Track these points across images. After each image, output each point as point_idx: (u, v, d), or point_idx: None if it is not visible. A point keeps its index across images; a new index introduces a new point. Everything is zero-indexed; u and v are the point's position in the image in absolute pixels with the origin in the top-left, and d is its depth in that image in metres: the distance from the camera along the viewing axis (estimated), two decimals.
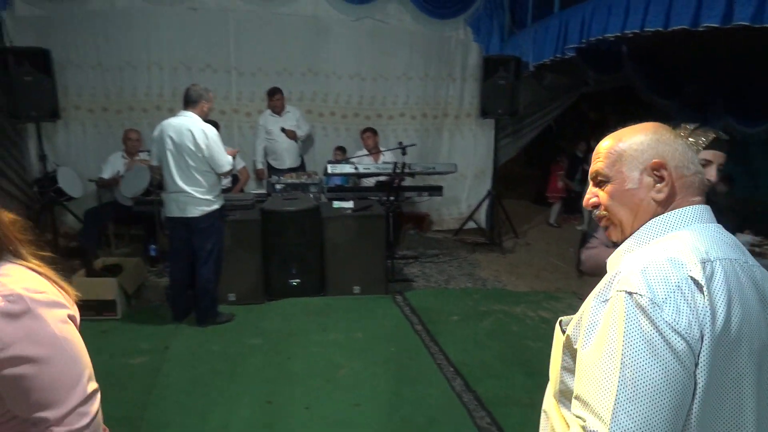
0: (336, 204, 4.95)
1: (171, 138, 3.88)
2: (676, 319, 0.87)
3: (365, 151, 6.24)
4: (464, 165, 6.88)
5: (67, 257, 5.47)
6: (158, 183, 4.61)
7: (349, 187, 5.90)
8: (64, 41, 5.95)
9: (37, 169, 5.88)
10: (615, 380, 0.87)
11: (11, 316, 0.97)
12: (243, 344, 3.88)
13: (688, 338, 0.87)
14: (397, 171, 5.18)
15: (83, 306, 3.89)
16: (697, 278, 0.90)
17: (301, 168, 6.29)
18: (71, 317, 1.10)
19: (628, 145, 1.05)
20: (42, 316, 1.01)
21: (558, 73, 6.16)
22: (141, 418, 2.98)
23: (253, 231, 4.52)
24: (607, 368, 0.88)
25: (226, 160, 3.98)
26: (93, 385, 1.09)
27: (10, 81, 5.33)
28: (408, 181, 5.88)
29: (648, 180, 1.02)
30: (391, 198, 5.20)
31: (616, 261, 1.06)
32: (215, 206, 4.04)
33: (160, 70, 6.25)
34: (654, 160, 1.02)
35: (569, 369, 1.06)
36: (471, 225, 6.84)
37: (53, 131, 6.10)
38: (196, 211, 3.94)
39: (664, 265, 0.91)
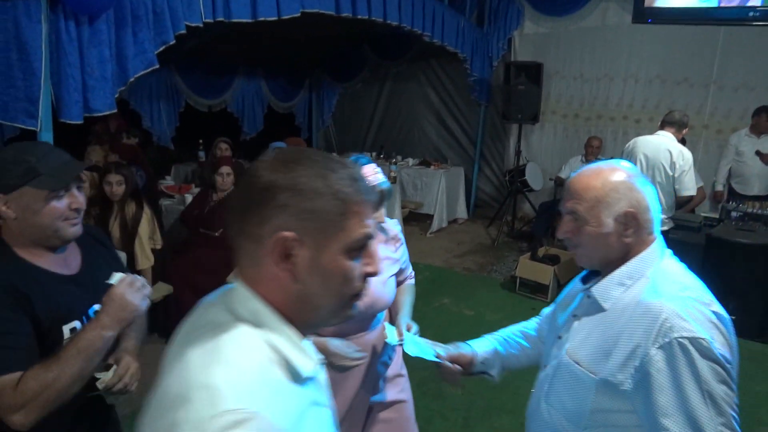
0: None
1: (644, 154, 4.12)
2: (724, 353, 1.06)
3: None
4: None
5: (518, 239, 6.47)
6: None
7: None
8: (556, 55, 6.85)
9: (511, 161, 7.05)
10: (706, 413, 1.02)
11: None
12: None
13: (732, 363, 1.09)
14: None
15: (522, 283, 4.68)
16: (719, 312, 1.12)
17: None
18: None
19: (607, 192, 1.18)
20: None
21: None
22: None
23: (693, 255, 4.36)
24: (698, 406, 1.02)
25: (693, 185, 4.03)
26: None
27: (508, 89, 6.55)
28: None
29: (619, 226, 1.18)
30: None
31: (612, 293, 1.19)
32: (664, 227, 4.13)
33: (635, 83, 6.48)
34: (627, 210, 1.17)
35: (604, 409, 1.15)
36: None
37: (530, 132, 7.17)
38: None
39: (696, 306, 1.09)
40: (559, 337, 1.32)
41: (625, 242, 1.19)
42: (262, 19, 3.74)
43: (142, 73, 3.14)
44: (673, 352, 1.04)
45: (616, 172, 1.22)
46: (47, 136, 2.80)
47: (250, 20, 3.68)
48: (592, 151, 6.11)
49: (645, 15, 5.94)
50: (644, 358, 1.07)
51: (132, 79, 3.10)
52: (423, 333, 4.26)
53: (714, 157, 6.03)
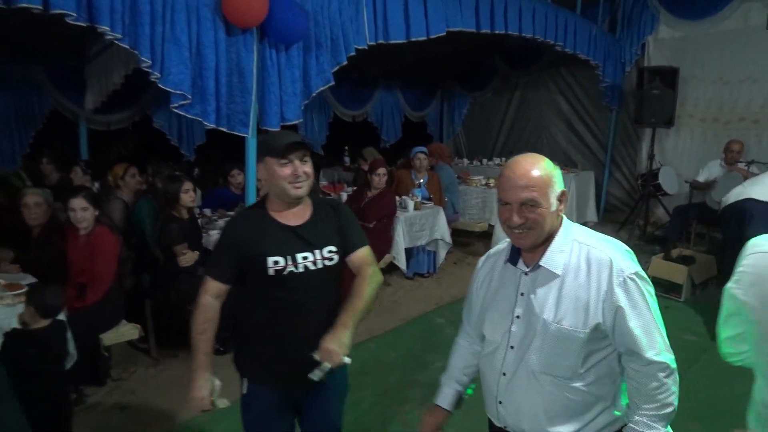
0: None
1: None
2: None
3: None
4: None
5: (650, 242, 6.48)
6: None
7: None
8: (693, 59, 6.79)
9: (644, 165, 7.06)
10: (656, 325, 1.40)
11: None
12: None
13: None
14: None
15: (654, 282, 4.81)
16: (626, 246, 1.48)
17: None
18: None
19: (551, 179, 1.41)
20: None
21: None
22: None
23: None
24: (654, 321, 1.39)
25: None
26: None
27: (641, 94, 6.62)
28: None
29: (558, 204, 1.44)
30: None
31: (558, 260, 1.44)
32: None
33: None
34: (562, 190, 1.45)
35: (593, 350, 1.43)
36: None
37: (665, 136, 7.12)
38: None
39: (621, 247, 1.45)
40: (518, 317, 1.50)
41: (559, 215, 1.46)
42: (414, 39, 4.32)
43: (321, 89, 3.84)
44: (629, 286, 1.38)
45: (544, 160, 1.45)
46: (253, 141, 3.56)
47: (404, 41, 4.28)
48: (733, 156, 5.91)
49: None
50: (612, 296, 1.38)
51: (314, 94, 3.81)
52: None
53: None
